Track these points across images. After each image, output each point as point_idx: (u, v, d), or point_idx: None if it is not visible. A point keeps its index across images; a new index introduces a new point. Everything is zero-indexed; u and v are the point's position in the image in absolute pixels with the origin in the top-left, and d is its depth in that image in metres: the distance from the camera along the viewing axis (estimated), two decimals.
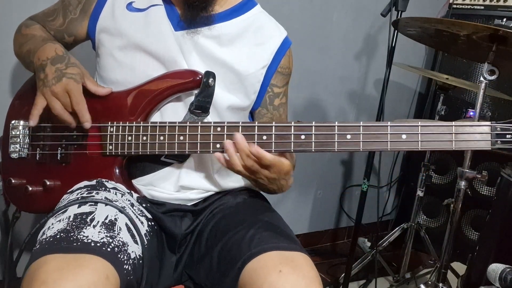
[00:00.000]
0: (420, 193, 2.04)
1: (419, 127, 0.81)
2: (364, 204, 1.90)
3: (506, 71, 1.42)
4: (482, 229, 2.07)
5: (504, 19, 1.98)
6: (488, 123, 0.79)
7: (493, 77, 1.32)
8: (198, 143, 0.93)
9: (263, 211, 1.03)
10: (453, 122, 0.81)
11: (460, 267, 1.99)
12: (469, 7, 2.30)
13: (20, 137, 1.05)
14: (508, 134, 0.78)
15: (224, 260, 0.91)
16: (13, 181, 1.05)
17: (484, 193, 2.29)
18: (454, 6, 2.31)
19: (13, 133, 1.06)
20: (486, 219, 1.63)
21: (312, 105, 2.25)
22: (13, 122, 1.06)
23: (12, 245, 1.14)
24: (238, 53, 1.04)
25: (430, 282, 1.69)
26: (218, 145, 0.91)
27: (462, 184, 1.46)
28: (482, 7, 2.27)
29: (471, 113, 2.29)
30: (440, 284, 1.54)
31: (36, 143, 1.05)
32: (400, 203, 2.79)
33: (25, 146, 1.06)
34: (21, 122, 1.06)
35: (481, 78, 1.34)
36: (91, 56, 1.12)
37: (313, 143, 0.86)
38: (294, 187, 2.28)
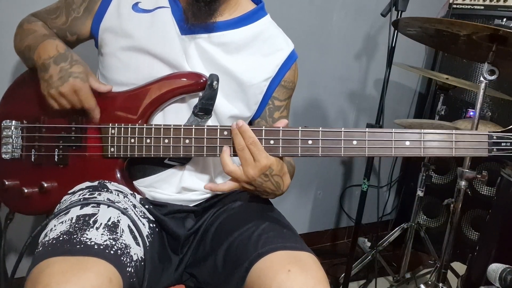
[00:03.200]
0: (420, 193, 2.04)
1: (422, 134, 0.86)
2: (364, 204, 1.90)
3: (506, 71, 1.42)
4: (482, 229, 2.08)
5: (504, 19, 1.98)
6: (486, 132, 0.87)
7: (493, 77, 1.32)
8: (205, 147, 0.92)
9: (267, 211, 1.03)
10: (454, 130, 0.87)
11: (460, 267, 1.99)
12: (469, 7, 2.30)
13: (13, 138, 1.03)
14: (503, 142, 0.86)
15: (230, 260, 0.91)
16: (6, 182, 1.03)
17: (484, 193, 2.29)
18: (454, 6, 2.31)
19: (5, 133, 1.04)
20: (486, 219, 1.63)
21: (312, 105, 2.25)
22: (4, 122, 1.04)
23: (5, 247, 1.12)
24: (243, 62, 1.03)
25: (430, 282, 1.70)
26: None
27: (462, 184, 1.46)
28: (482, 7, 2.27)
29: (471, 113, 2.29)
30: (440, 284, 1.54)
31: (30, 144, 1.03)
32: (400, 203, 2.79)
33: (18, 147, 1.04)
34: (13, 122, 1.04)
35: (481, 78, 1.34)
36: (90, 55, 1.10)
37: (320, 148, 0.88)
38: (294, 187, 2.28)
